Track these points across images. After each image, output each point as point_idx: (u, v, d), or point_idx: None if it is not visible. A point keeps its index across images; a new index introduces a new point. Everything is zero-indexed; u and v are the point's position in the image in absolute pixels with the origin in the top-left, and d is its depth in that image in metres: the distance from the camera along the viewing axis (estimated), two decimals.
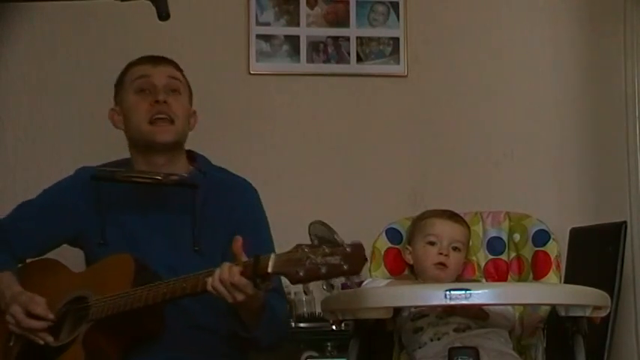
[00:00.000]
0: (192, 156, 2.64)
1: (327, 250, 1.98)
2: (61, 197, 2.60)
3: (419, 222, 2.59)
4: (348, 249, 1.97)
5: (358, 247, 1.99)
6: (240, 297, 2.13)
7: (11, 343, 2.42)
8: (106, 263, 2.44)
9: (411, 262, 2.58)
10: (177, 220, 2.50)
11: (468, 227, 2.60)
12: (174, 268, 2.33)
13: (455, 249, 2.52)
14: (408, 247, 2.59)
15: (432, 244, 2.52)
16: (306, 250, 2.01)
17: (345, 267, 1.96)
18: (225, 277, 2.12)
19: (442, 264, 2.50)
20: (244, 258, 2.15)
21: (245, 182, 2.62)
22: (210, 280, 2.14)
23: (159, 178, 2.45)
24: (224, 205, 2.52)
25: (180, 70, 2.61)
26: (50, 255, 2.61)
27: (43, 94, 3.49)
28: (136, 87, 2.53)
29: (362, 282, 2.61)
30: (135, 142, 2.55)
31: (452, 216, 2.57)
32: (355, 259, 1.97)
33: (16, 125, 3.48)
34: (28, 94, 3.49)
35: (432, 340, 2.41)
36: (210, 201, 2.52)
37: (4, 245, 2.54)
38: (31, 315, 2.34)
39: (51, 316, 2.35)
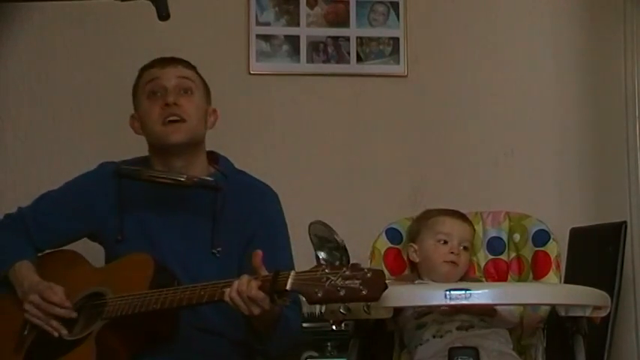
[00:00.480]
0: (214, 157, 2.65)
1: (347, 273, 1.97)
2: (82, 192, 2.60)
3: (426, 220, 2.58)
4: (368, 274, 1.95)
5: (379, 273, 1.97)
6: (256, 310, 2.12)
7: (26, 332, 2.43)
8: (125, 262, 2.45)
9: (417, 260, 2.57)
10: (196, 222, 2.50)
11: (474, 228, 2.60)
12: (189, 269, 2.34)
13: (464, 248, 2.53)
14: (413, 244, 2.58)
15: (443, 242, 2.52)
16: (326, 270, 2.00)
17: (364, 292, 1.94)
18: (243, 290, 2.11)
19: (454, 262, 2.50)
20: (264, 272, 2.15)
21: (266, 187, 2.62)
22: (227, 290, 2.13)
23: (182, 179, 2.45)
24: (243, 209, 2.52)
25: (193, 68, 2.61)
26: (71, 247, 2.63)
27: (43, 94, 3.49)
28: (148, 91, 2.53)
29: None
30: (152, 146, 2.56)
31: (461, 215, 2.58)
32: (375, 284, 1.94)
33: (16, 125, 3.48)
34: (28, 94, 3.49)
35: (434, 337, 2.40)
36: (230, 204, 2.51)
37: (23, 235, 2.55)
38: (47, 302, 2.36)
39: (68, 303, 2.36)
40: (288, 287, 2.05)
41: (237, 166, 2.73)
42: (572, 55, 3.71)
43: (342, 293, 1.95)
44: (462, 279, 2.54)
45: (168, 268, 2.37)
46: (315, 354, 3.19)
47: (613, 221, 3.19)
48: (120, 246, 2.51)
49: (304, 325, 3.23)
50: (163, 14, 2.10)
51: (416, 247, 2.57)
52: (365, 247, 2.63)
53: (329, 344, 3.19)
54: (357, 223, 3.27)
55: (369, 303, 1.99)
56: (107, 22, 3.47)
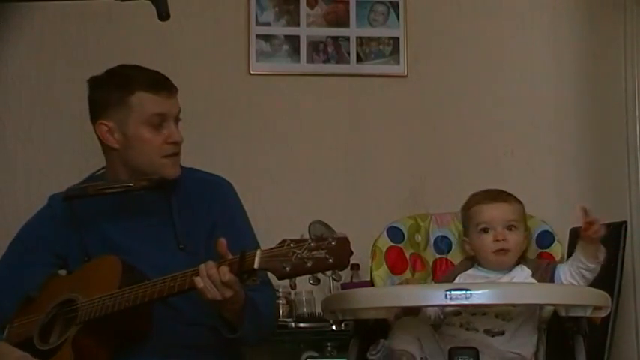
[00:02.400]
0: None
1: (312, 245, 2.00)
2: (36, 235, 2.58)
3: (467, 211, 2.52)
4: (333, 242, 1.99)
5: (343, 241, 2.00)
6: (227, 293, 2.14)
7: None
8: (92, 266, 2.44)
9: (472, 254, 2.51)
10: (157, 222, 2.50)
11: (518, 201, 2.51)
12: (161, 268, 2.33)
13: (510, 228, 2.44)
14: (465, 238, 2.53)
15: (485, 231, 2.45)
16: (291, 245, 2.03)
17: (330, 260, 1.97)
18: (213, 273, 2.13)
19: (502, 250, 2.43)
20: (230, 256, 2.16)
21: (219, 178, 2.61)
22: (198, 277, 2.15)
23: (130, 185, 2.44)
24: (201, 202, 2.52)
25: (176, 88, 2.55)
26: None
27: (43, 94, 3.49)
28: (152, 122, 2.45)
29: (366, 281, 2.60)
30: (135, 168, 2.49)
31: (496, 197, 2.49)
32: (340, 252, 1.98)
33: (16, 125, 3.48)
34: (28, 94, 3.49)
35: (461, 326, 2.38)
36: (187, 199, 2.51)
37: None
38: None
39: None
40: (255, 266, 2.07)
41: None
42: (572, 55, 3.70)
43: (309, 265, 1.98)
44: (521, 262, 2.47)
45: (135, 266, 2.36)
46: (315, 354, 3.19)
47: (613, 221, 3.19)
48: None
49: (304, 325, 3.24)
50: (163, 14, 2.10)
51: (467, 240, 2.52)
52: (365, 246, 2.63)
53: (329, 344, 3.19)
54: (357, 222, 3.27)
55: (337, 271, 2.01)
56: (107, 22, 3.47)
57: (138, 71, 2.52)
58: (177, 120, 2.51)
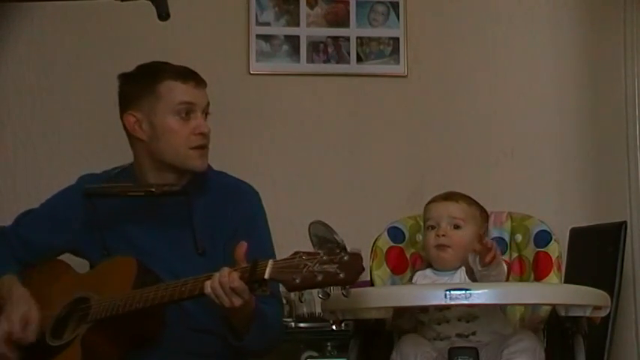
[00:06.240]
0: None
1: (324, 258, 1.98)
2: (61, 210, 2.59)
3: (423, 213, 2.57)
4: (345, 257, 1.97)
5: (356, 257, 1.97)
6: (237, 302, 2.13)
7: None
8: (108, 265, 2.45)
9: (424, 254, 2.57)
10: (177, 226, 2.49)
11: (469, 203, 2.53)
12: (178, 274, 2.32)
13: (456, 227, 2.48)
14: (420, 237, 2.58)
15: (431, 228, 2.50)
16: (303, 257, 2.01)
17: (341, 275, 1.95)
18: (225, 281, 2.12)
19: (442, 245, 2.46)
20: (244, 264, 2.15)
21: (245, 185, 2.61)
22: (208, 282, 2.14)
23: (152, 190, 2.44)
24: (224, 208, 2.52)
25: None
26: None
27: (43, 94, 3.49)
28: (180, 111, 2.46)
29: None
30: (161, 160, 2.51)
31: (447, 197, 2.53)
32: (352, 268, 1.96)
33: (16, 125, 3.48)
34: (28, 94, 3.49)
35: (435, 340, 2.40)
36: (211, 203, 2.52)
37: (6, 250, 2.55)
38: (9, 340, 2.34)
39: (30, 338, 2.34)
40: (266, 276, 2.06)
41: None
42: (572, 55, 3.71)
43: (319, 278, 1.97)
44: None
45: (151, 269, 2.36)
46: (315, 354, 3.19)
47: (613, 221, 3.19)
48: (106, 259, 2.50)
49: (304, 325, 3.24)
50: (163, 14, 2.11)
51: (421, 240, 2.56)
52: (365, 246, 2.62)
53: (329, 344, 3.19)
54: (357, 223, 3.27)
55: (347, 286, 2.00)
56: (107, 22, 3.47)
57: (167, 64, 2.55)
58: (205, 113, 2.51)
